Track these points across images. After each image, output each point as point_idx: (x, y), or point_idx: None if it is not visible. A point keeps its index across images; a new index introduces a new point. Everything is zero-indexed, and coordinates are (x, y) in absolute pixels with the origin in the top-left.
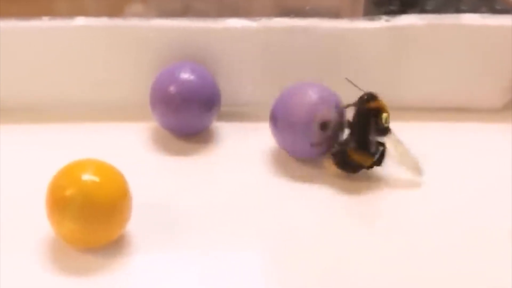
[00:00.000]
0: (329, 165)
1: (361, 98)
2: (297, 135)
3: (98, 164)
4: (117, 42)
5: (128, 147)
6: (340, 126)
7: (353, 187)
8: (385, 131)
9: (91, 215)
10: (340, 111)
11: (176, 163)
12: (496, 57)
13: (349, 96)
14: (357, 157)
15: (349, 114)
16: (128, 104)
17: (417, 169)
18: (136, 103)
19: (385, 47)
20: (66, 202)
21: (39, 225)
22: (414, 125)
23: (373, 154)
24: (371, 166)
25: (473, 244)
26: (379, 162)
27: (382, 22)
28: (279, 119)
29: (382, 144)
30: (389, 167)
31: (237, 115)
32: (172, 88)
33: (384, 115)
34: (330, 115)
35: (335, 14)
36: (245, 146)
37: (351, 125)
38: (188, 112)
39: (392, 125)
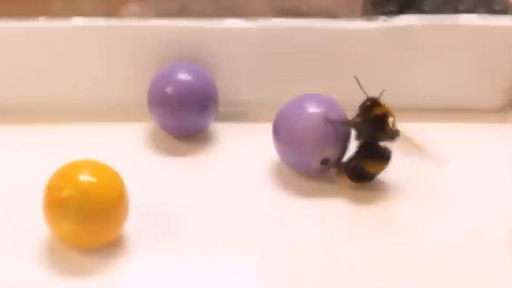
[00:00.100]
0: (341, 178)
1: (364, 106)
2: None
3: (95, 165)
4: (114, 42)
5: (125, 148)
6: (347, 139)
7: (354, 186)
8: (394, 135)
9: (88, 216)
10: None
11: (174, 163)
12: (495, 57)
13: (348, 96)
14: (371, 167)
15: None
16: (125, 105)
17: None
18: (133, 103)
19: (383, 47)
20: (63, 203)
21: (36, 226)
22: (412, 125)
23: (386, 161)
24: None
25: (472, 245)
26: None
27: (380, 23)
28: (283, 141)
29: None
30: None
31: (235, 116)
32: (169, 89)
33: (391, 119)
34: (331, 153)
35: (333, 14)
36: (243, 146)
37: (359, 135)
38: (186, 113)
39: None
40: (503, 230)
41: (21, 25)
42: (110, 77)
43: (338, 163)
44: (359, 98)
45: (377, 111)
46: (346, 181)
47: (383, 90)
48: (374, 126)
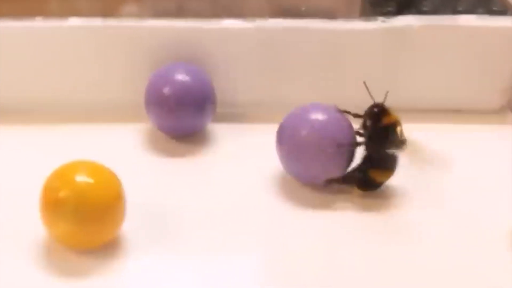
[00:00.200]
0: (349, 189)
1: (371, 113)
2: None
3: (92, 165)
4: (111, 42)
5: (123, 148)
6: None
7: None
8: (402, 144)
9: (85, 216)
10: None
11: (171, 164)
12: (494, 58)
13: (347, 96)
14: (378, 176)
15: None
16: (123, 105)
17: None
18: (130, 104)
19: (382, 48)
20: (60, 203)
21: (33, 227)
22: (411, 126)
23: (393, 169)
24: None
25: (472, 245)
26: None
27: (379, 23)
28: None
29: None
30: None
31: (233, 116)
32: (166, 89)
33: (399, 128)
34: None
35: (331, 14)
36: (241, 147)
37: (367, 144)
38: (183, 113)
39: None
40: (503, 230)
41: (17, 25)
42: (107, 77)
43: (344, 174)
44: (358, 98)
45: (386, 120)
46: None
47: (387, 92)
48: (383, 136)
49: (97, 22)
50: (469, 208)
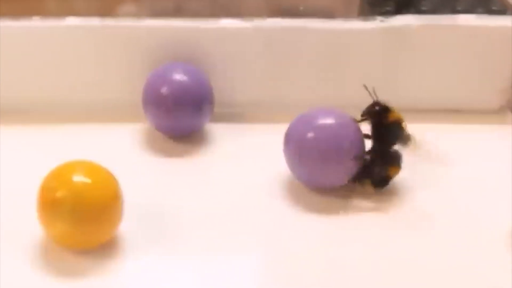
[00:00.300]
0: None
1: (374, 112)
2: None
3: (90, 165)
4: (109, 42)
5: (120, 148)
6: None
7: (355, 189)
8: (408, 138)
9: (82, 217)
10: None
11: (169, 164)
12: (493, 58)
13: (346, 96)
14: (393, 173)
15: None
16: (120, 105)
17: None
18: (128, 104)
19: (380, 48)
20: (57, 203)
21: (30, 227)
22: (410, 126)
23: (399, 164)
24: None
25: (472, 245)
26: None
27: (377, 23)
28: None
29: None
30: None
31: (231, 116)
32: (164, 89)
33: (404, 124)
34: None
35: (329, 14)
36: (239, 147)
37: (375, 142)
38: (181, 113)
39: None
40: (503, 230)
41: (15, 24)
42: (104, 77)
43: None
44: (357, 98)
45: (391, 117)
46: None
47: (373, 88)
48: (391, 132)
49: (95, 21)
50: (468, 208)
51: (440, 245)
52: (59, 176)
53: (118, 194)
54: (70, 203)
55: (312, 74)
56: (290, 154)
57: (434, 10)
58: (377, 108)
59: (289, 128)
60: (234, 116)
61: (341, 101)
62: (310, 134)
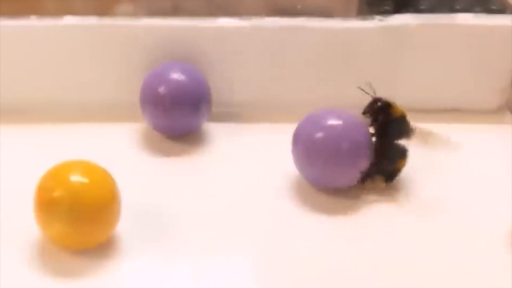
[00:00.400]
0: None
1: (377, 108)
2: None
3: (87, 165)
4: (106, 41)
5: (118, 148)
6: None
7: (354, 188)
8: (413, 131)
9: (80, 217)
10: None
11: (167, 164)
12: (492, 57)
13: (344, 96)
14: (402, 166)
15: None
16: (117, 105)
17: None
18: (125, 103)
19: (379, 47)
20: (54, 203)
21: (27, 227)
22: None
23: (406, 156)
24: None
25: (471, 245)
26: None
27: (376, 22)
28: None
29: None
30: None
31: (228, 116)
32: (162, 88)
33: (408, 117)
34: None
35: (328, 13)
36: (237, 147)
37: (382, 137)
38: (179, 113)
39: None
40: (502, 230)
41: (12, 23)
42: (102, 77)
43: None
44: (355, 97)
45: (396, 112)
46: None
47: (370, 83)
48: (397, 127)
49: (92, 21)
50: (468, 207)
51: (440, 245)
52: (56, 176)
53: (116, 194)
54: (67, 203)
55: (310, 73)
56: (299, 154)
57: (433, 9)
58: (379, 104)
59: (297, 128)
60: (232, 115)
61: (340, 101)
62: (319, 134)
